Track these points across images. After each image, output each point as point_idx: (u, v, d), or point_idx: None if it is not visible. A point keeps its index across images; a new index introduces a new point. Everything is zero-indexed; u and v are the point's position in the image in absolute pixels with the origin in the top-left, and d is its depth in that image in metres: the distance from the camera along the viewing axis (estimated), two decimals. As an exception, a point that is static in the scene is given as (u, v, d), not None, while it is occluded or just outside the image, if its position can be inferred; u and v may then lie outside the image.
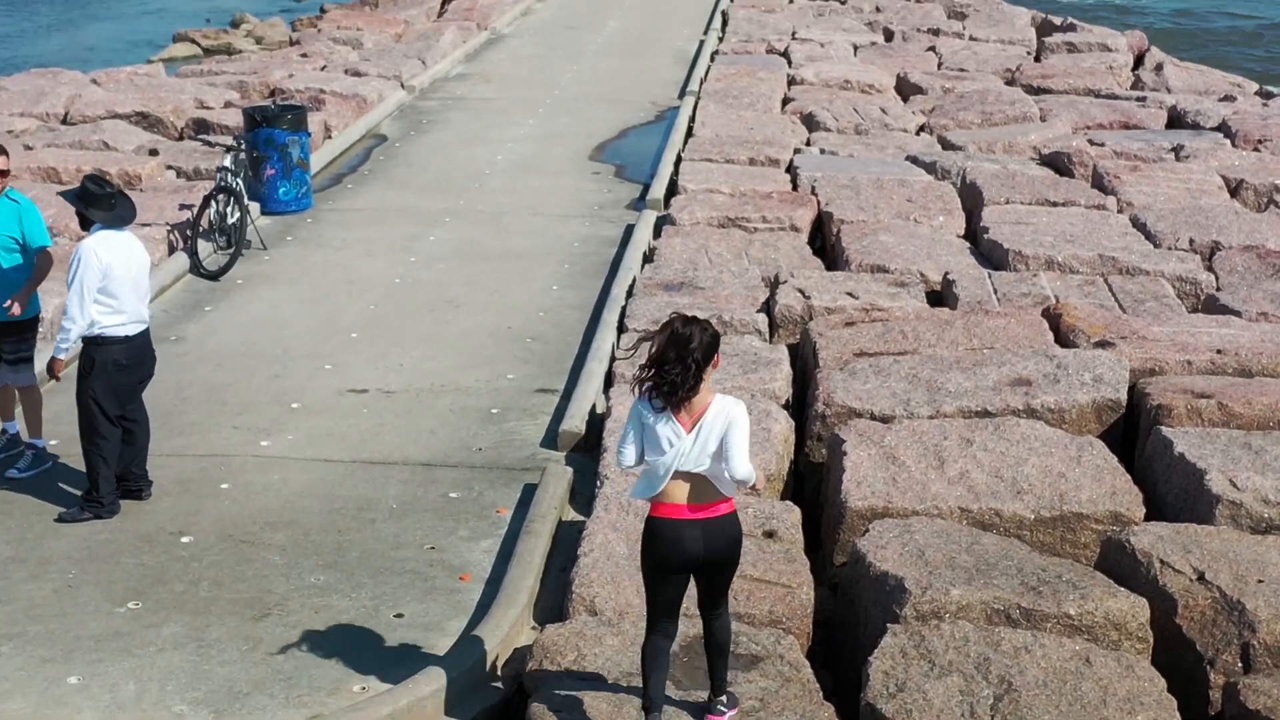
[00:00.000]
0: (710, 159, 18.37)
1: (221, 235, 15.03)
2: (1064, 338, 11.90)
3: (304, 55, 26.52)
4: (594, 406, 11.32)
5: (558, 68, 26.24)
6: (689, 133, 20.46)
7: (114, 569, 9.02)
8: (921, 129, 21.04)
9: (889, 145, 19.61)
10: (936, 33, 28.68)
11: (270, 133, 16.58)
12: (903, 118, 21.16)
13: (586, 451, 10.75)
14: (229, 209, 15.00)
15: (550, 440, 10.98)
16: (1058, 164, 18.24)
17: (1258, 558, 8.44)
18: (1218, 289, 13.75)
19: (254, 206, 16.39)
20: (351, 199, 17.60)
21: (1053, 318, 12.27)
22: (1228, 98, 22.64)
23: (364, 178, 18.63)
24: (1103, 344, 11.53)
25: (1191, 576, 8.29)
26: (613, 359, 12.06)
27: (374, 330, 13.17)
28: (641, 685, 7.03)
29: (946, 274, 13.73)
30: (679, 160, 18.78)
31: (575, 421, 11.01)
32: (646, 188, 17.98)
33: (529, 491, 10.06)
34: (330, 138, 20.50)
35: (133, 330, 9.43)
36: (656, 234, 15.77)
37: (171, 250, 15.05)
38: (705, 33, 29.95)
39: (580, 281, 14.55)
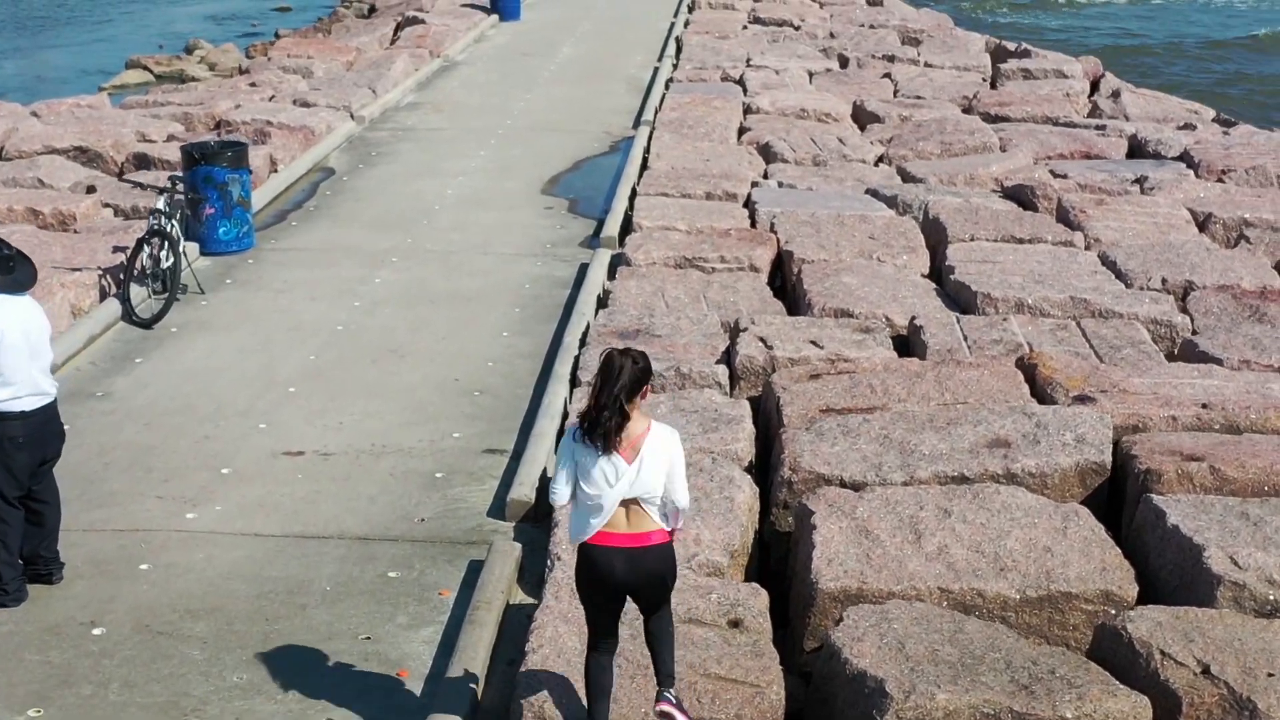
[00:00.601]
0: (666, 193, 17.46)
1: (155, 281, 13.97)
2: (1041, 391, 11.03)
3: (253, 85, 25.48)
4: (544, 471, 10.35)
5: (511, 96, 25.29)
6: (644, 165, 19.56)
7: (16, 668, 8.01)
8: (880, 160, 20.19)
9: (848, 177, 18.75)
10: (892, 59, 27.86)
11: (209, 170, 15.56)
12: (861, 148, 20.30)
13: (537, 522, 9.79)
14: (163, 253, 13.95)
15: (498, 509, 10.00)
16: (1021, 197, 17.42)
17: (1265, 646, 7.59)
18: (1194, 333, 12.94)
19: (193, 247, 15.41)
20: (295, 237, 16.58)
21: (1028, 368, 11.41)
22: (1187, 126, 21.90)
23: (309, 214, 17.61)
24: (1082, 398, 10.67)
25: (1195, 669, 7.42)
26: (564, 417, 11.12)
27: (313, 383, 12.18)
28: (587, 704, 7.00)
29: (913, 319, 12.86)
30: (634, 194, 17.88)
31: (524, 489, 10.04)
32: (601, 223, 17.06)
33: (474, 570, 9.10)
34: (276, 171, 19.49)
35: (30, 405, 8.39)
36: (611, 274, 14.85)
37: (103, 296, 14.01)
38: (659, 59, 29.07)
39: (531, 327, 13.59)
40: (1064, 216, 16.44)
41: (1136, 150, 20.53)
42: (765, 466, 10.51)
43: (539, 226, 17.06)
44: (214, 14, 51.26)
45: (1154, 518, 8.96)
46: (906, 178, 18.77)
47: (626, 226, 16.62)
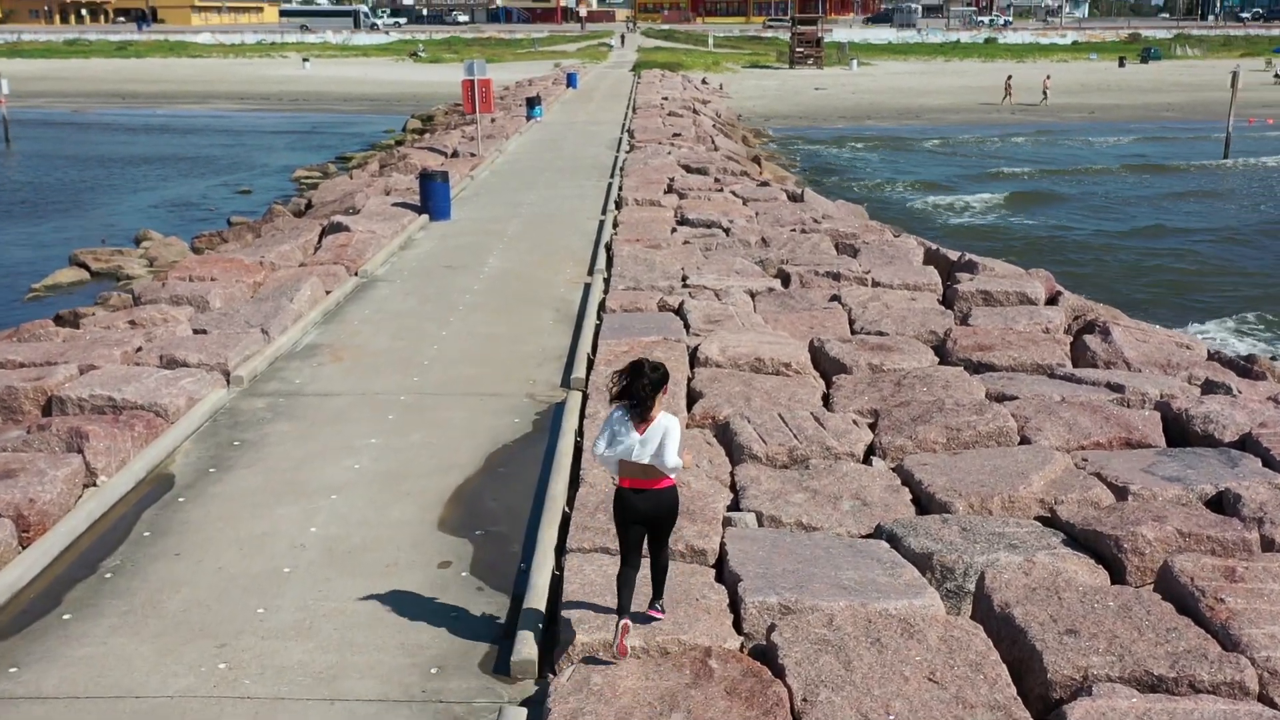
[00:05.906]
0: (607, 549, 9.66)
1: None
2: None
3: (132, 323, 17.45)
4: None
5: (424, 333, 17.46)
6: (575, 473, 11.79)
7: None
8: (871, 451, 12.54)
9: (843, 492, 11.09)
10: (837, 277, 20.35)
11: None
12: (845, 435, 12.61)
13: None
14: None
15: None
16: (1099, 548, 9.81)
17: None
18: None
19: None
20: (46, 663, 8.50)
21: None
22: (1215, 385, 14.44)
23: (94, 593, 9.55)
24: None
25: None
26: None
27: None
28: (617, 598, 7.88)
29: None
30: (564, 537, 10.12)
31: None
32: (517, 607, 9.20)
33: None
34: (95, 484, 11.53)
35: None
36: (525, 773, 7.02)
37: None
38: (590, 273, 21.44)
39: None
40: (1182, 600, 8.81)
41: (1174, 426, 13.07)
42: None
43: (425, 614, 9.13)
44: (175, 199, 43.04)
45: None
46: (919, 497, 11.10)
47: (554, 606, 8.85)
